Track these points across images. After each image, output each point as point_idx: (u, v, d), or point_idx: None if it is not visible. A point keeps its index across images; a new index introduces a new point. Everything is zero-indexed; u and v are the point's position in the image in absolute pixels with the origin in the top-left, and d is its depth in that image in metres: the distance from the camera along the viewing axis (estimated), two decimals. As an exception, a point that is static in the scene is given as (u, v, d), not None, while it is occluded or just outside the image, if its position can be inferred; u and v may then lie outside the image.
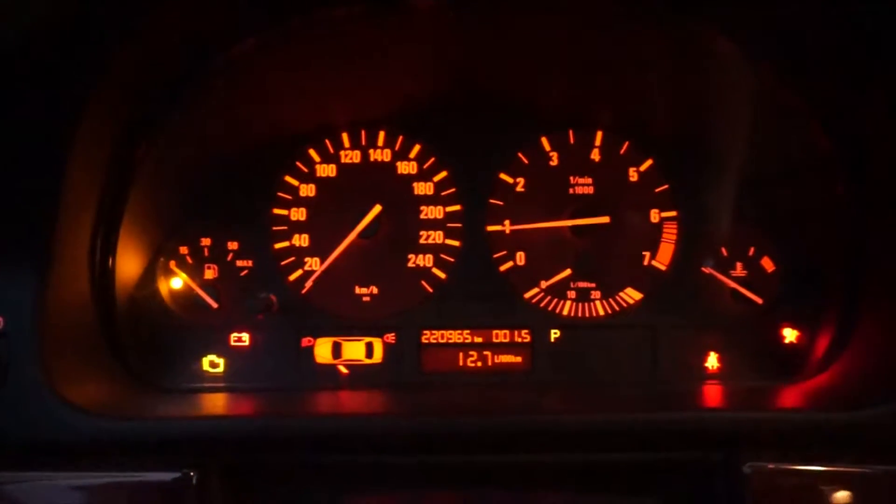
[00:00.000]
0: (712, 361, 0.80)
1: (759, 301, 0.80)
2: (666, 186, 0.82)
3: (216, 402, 0.77)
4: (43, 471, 0.65)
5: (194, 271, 0.82)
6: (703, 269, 0.81)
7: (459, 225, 0.82)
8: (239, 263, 0.82)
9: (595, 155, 0.83)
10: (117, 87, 0.69)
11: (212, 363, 0.81)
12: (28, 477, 0.64)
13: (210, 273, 0.82)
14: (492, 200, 0.82)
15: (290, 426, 0.67)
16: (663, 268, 0.82)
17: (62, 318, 0.69)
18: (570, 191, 0.83)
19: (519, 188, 0.83)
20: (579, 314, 0.82)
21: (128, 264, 0.78)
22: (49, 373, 0.65)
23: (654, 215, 0.82)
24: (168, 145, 0.78)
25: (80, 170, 0.69)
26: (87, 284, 0.73)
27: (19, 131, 0.67)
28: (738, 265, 0.81)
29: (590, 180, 0.83)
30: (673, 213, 0.82)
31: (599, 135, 0.82)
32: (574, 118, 0.83)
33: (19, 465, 0.65)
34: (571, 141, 0.83)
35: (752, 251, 0.81)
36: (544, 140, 0.83)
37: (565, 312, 0.82)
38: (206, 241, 0.82)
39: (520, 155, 0.83)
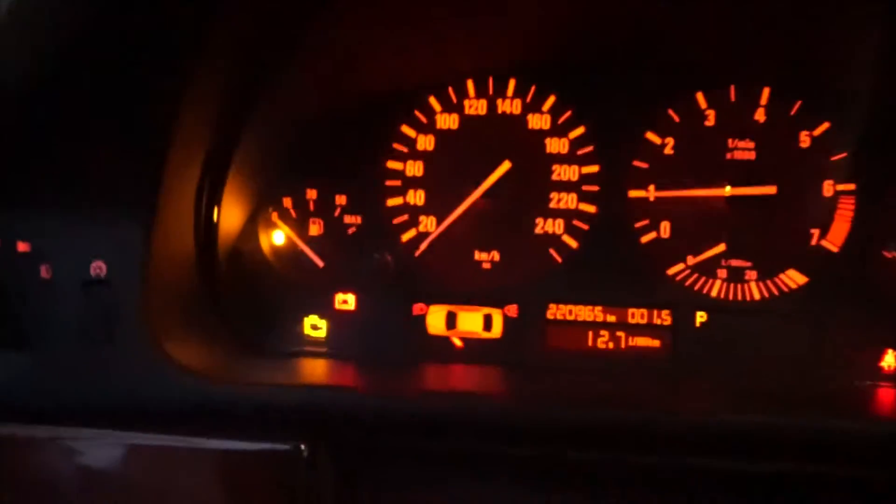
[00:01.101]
0: (889, 360, 0.69)
1: (953, 294, 0.68)
2: (844, 154, 0.69)
3: (321, 370, 0.70)
4: (142, 431, 0.60)
5: (298, 226, 0.75)
6: (885, 252, 0.69)
7: (596, 188, 0.72)
8: (347, 220, 0.75)
9: (759, 115, 0.71)
10: (231, 35, 0.63)
11: (313, 326, 0.75)
12: (126, 437, 0.59)
13: (315, 229, 0.75)
14: (635, 162, 0.72)
15: (399, 404, 0.61)
16: (835, 249, 0.70)
17: (166, 270, 0.63)
18: (728, 155, 0.71)
19: (667, 150, 0.72)
20: (730, 296, 0.71)
21: (232, 217, 0.72)
22: (153, 327, 0.59)
23: (828, 188, 0.70)
24: (282, 93, 0.70)
25: (191, 116, 0.63)
26: (192, 236, 0.67)
27: (133, 77, 0.61)
28: (928, 250, 0.69)
29: (751, 144, 0.71)
30: (851, 186, 0.69)
31: (766, 92, 0.70)
32: (736, 72, 0.71)
33: (115, 423, 0.61)
34: (732, 98, 0.71)
35: (945, 234, 0.69)
36: (700, 96, 0.71)
37: (714, 293, 0.71)
38: (311, 194, 0.75)
39: (670, 112, 0.71)
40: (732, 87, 0.71)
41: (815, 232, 0.70)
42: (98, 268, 0.58)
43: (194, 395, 0.59)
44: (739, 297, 0.71)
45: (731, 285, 0.71)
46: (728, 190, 0.70)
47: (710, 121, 0.72)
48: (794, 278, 0.71)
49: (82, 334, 0.58)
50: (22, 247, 0.59)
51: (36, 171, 0.61)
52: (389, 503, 0.66)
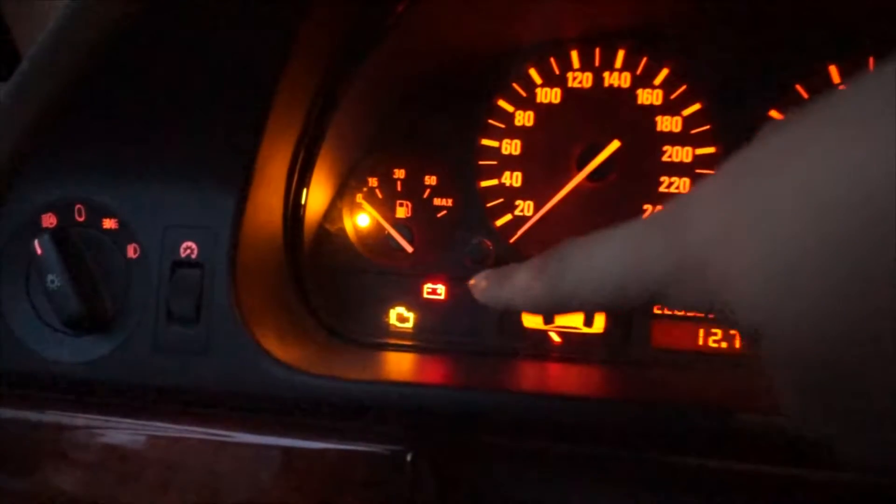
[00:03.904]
0: None
1: None
2: None
3: (409, 365, 0.65)
4: (221, 430, 0.57)
5: (385, 208, 0.71)
6: None
7: (713, 172, 0.67)
8: (437, 202, 0.70)
9: (901, 90, 0.65)
10: (332, 5, 0.58)
11: (400, 317, 0.70)
12: (201, 433, 0.55)
13: (403, 211, 0.70)
14: (757, 143, 0.66)
15: (494, 400, 0.55)
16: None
17: (255, 252, 0.58)
18: (863, 136, 0.65)
19: (794, 129, 0.66)
20: (860, 293, 0.65)
21: (318, 198, 0.68)
22: (243, 312, 0.55)
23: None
24: (375, 66, 0.65)
25: (288, 92, 0.58)
26: (280, 217, 0.62)
27: (228, 44, 0.57)
28: None
29: (891, 123, 0.65)
30: None
31: (910, 64, 0.64)
32: (875, 39, 0.64)
33: (198, 418, 0.58)
34: (871, 69, 0.65)
35: None
36: (833, 69, 0.64)
37: (841, 289, 0.65)
38: (399, 174, 0.70)
39: (798, 87, 0.65)
40: (871, 58, 0.64)
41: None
42: (189, 248, 0.54)
43: (284, 387, 0.54)
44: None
45: (862, 280, 0.65)
46: (862, 174, 0.64)
47: (844, 97, 0.66)
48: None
49: (171, 316, 0.55)
50: (108, 223, 0.55)
51: (124, 146, 0.58)
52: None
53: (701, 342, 0.66)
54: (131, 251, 0.55)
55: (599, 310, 0.35)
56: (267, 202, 0.60)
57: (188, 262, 0.55)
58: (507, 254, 0.68)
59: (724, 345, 0.66)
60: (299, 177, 0.62)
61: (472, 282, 0.47)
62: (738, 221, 0.27)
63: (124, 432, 0.56)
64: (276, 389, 0.55)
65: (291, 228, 0.64)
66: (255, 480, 0.54)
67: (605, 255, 0.35)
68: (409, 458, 0.52)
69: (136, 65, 0.56)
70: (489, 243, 0.66)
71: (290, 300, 0.64)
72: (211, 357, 0.55)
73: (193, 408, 0.56)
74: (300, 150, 0.61)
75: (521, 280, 0.41)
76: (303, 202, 0.64)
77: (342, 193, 0.71)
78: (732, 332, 0.65)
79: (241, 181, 0.55)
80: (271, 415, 0.55)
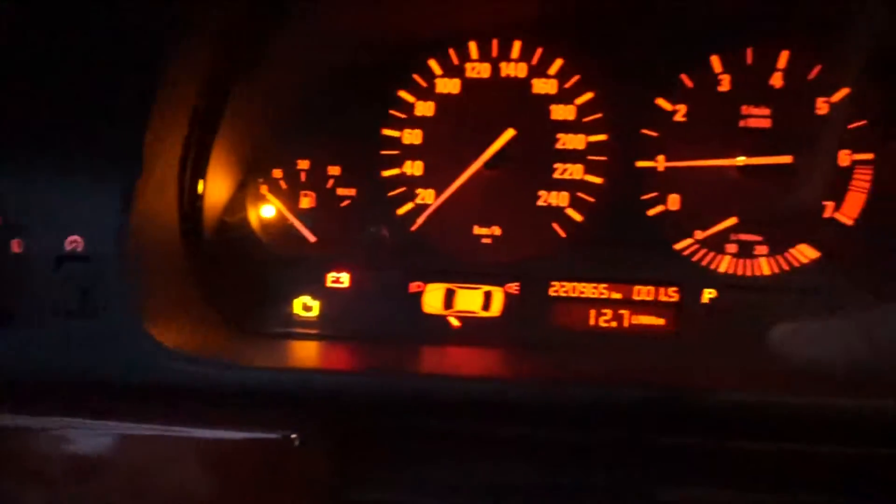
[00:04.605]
0: (903, 338, 0.67)
1: (973, 268, 0.66)
2: (863, 122, 0.66)
3: (312, 352, 0.67)
4: (117, 420, 0.57)
5: (289, 198, 0.71)
6: (902, 226, 0.67)
7: (604, 158, 0.68)
8: (340, 192, 0.71)
9: (776, 80, 0.67)
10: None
11: (305, 306, 0.71)
12: (98, 426, 0.55)
13: (307, 201, 0.71)
14: (644, 130, 0.68)
15: (390, 384, 0.57)
16: (849, 222, 0.66)
17: (147, 244, 0.59)
18: (742, 123, 0.67)
19: (679, 117, 0.68)
20: (739, 272, 0.68)
21: (218, 188, 0.68)
22: (134, 303, 0.56)
23: (844, 157, 0.66)
24: (271, 55, 0.66)
25: (172, 83, 0.58)
26: (175, 208, 0.62)
27: (113, 35, 0.56)
28: (948, 226, 0.67)
29: (767, 111, 0.67)
30: (868, 156, 0.66)
31: (785, 55, 0.67)
32: (754, 33, 0.67)
33: (91, 409, 0.57)
34: (749, 61, 0.67)
35: (967, 208, 0.67)
36: (715, 59, 0.67)
37: (723, 269, 0.68)
38: (303, 164, 0.71)
39: (683, 77, 0.68)
40: (749, 50, 0.68)
41: (830, 204, 0.67)
42: (74, 242, 0.54)
43: (175, 377, 0.55)
44: (749, 273, 0.68)
45: (741, 261, 0.68)
46: (741, 160, 0.67)
47: (725, 86, 0.68)
48: (805, 253, 0.67)
49: (58, 310, 0.55)
50: (-9, 220, 0.55)
51: (7, 140, 0.57)
52: (383, 487, 0.64)
53: (592, 322, 0.69)
54: (15, 246, 0.55)
55: None
56: (159, 194, 0.59)
57: (74, 256, 0.55)
58: (408, 242, 0.70)
59: (613, 324, 0.69)
60: (193, 169, 0.62)
61: (776, 333, 0.45)
62: None
63: (15, 430, 0.56)
64: (168, 379, 0.55)
65: (189, 219, 0.64)
66: (149, 469, 0.55)
67: None
68: (296, 442, 0.54)
69: (17, 65, 0.55)
70: (386, 231, 0.68)
71: (189, 291, 0.64)
72: (101, 349, 0.55)
73: (86, 400, 0.57)
74: (191, 143, 0.61)
75: (840, 339, 0.40)
76: (199, 192, 0.65)
77: (245, 185, 0.71)
78: (622, 311, 0.69)
79: (127, 174, 0.55)
80: (165, 405, 0.56)
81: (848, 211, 0.68)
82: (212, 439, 0.55)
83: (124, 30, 0.56)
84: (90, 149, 0.56)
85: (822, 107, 0.67)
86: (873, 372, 0.36)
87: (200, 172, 0.64)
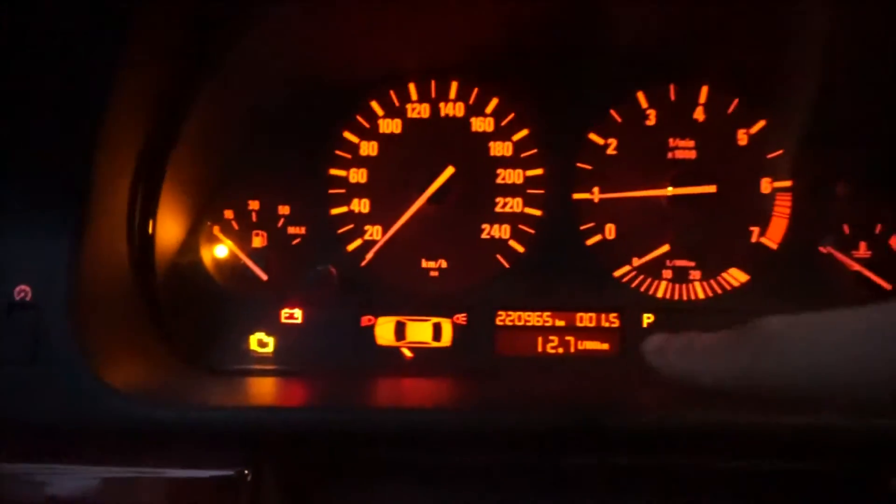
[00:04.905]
0: (829, 353, 0.71)
1: (888, 286, 0.69)
2: (780, 152, 0.71)
3: (268, 388, 0.68)
4: (72, 463, 0.57)
5: (241, 238, 0.73)
6: (821, 248, 0.70)
7: (541, 191, 0.72)
8: (291, 230, 0.73)
9: (699, 114, 0.71)
10: (160, 34, 0.61)
11: (260, 342, 0.72)
12: (55, 469, 0.56)
13: (258, 241, 0.73)
14: (579, 164, 0.72)
15: (346, 418, 0.58)
16: (774, 246, 0.71)
17: (97, 288, 0.60)
18: (669, 154, 0.72)
19: (610, 150, 0.72)
20: (675, 296, 0.71)
21: (169, 229, 0.69)
22: (84, 349, 0.56)
23: (766, 185, 0.71)
24: (216, 95, 0.68)
25: (117, 126, 0.60)
26: (126, 251, 0.64)
27: (53, 78, 0.58)
28: (862, 245, 0.70)
29: (692, 143, 0.71)
30: (787, 184, 0.71)
31: (705, 90, 0.71)
32: (676, 71, 0.72)
33: (46, 454, 0.58)
34: (672, 97, 0.72)
35: (878, 228, 0.70)
36: (641, 95, 0.72)
37: (660, 294, 0.71)
38: (254, 205, 0.73)
39: (612, 112, 0.72)
40: (672, 86, 0.72)
41: (755, 230, 0.72)
42: (22, 291, 0.55)
43: (129, 418, 0.55)
44: (685, 297, 0.72)
45: (676, 286, 0.72)
46: (670, 190, 0.71)
47: (652, 120, 0.72)
48: (736, 276, 0.72)
49: (8, 359, 0.55)
50: (-62, 270, 0.56)
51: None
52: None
53: (540, 348, 0.72)
54: (-37, 296, 0.56)
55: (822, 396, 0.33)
56: (108, 238, 0.61)
57: (23, 305, 0.56)
58: (358, 277, 0.72)
59: (560, 350, 0.72)
60: (142, 211, 0.64)
61: (648, 344, 0.45)
62: None
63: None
64: (122, 421, 0.56)
65: (140, 262, 0.65)
66: (100, 512, 0.56)
67: (842, 337, 0.31)
68: (248, 478, 0.55)
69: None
70: (333, 269, 0.70)
71: (143, 333, 0.66)
72: (52, 395, 0.55)
73: (41, 444, 0.57)
74: (138, 186, 0.63)
75: (712, 351, 0.39)
76: (150, 233, 0.66)
77: (199, 226, 0.73)
78: (568, 338, 0.72)
79: (74, 221, 0.56)
80: (119, 446, 0.57)
81: (772, 236, 0.72)
82: (161, 478, 0.56)
83: (66, 74, 0.58)
84: (34, 195, 0.57)
85: (742, 138, 0.72)
86: (751, 387, 0.38)
87: (150, 213, 0.65)
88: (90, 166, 0.58)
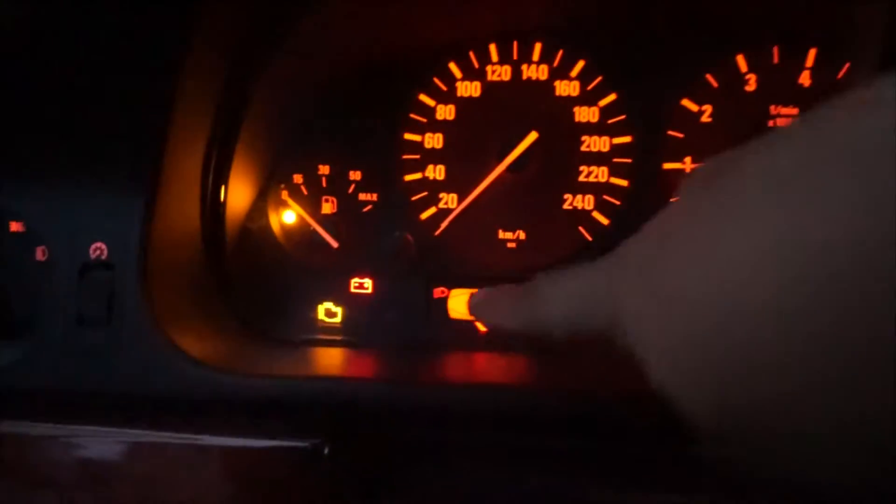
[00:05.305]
0: None
1: None
2: (894, 120, 0.66)
3: (337, 359, 0.66)
4: (146, 428, 0.56)
5: (310, 204, 0.70)
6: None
7: (629, 160, 0.67)
8: (362, 197, 0.70)
9: (805, 78, 0.66)
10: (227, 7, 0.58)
11: (328, 312, 0.70)
12: (130, 434, 0.55)
13: (328, 207, 0.70)
14: (670, 132, 0.67)
15: (422, 394, 0.56)
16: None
17: (169, 253, 0.58)
18: (770, 122, 0.66)
19: (705, 118, 0.67)
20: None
21: (240, 195, 0.67)
22: (155, 311, 0.55)
23: (876, 156, 0.66)
24: (290, 61, 0.65)
25: (192, 88, 0.58)
26: (197, 215, 0.62)
27: (129, 44, 0.56)
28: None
29: (795, 110, 0.66)
30: None
31: (812, 53, 0.66)
32: (780, 32, 0.66)
33: (115, 419, 0.57)
34: (776, 60, 0.66)
35: None
36: (740, 58, 0.66)
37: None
38: (324, 170, 0.70)
39: (708, 77, 0.66)
40: (776, 48, 0.66)
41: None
42: (98, 249, 0.54)
43: (199, 385, 0.54)
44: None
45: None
46: (770, 160, 0.66)
47: (751, 85, 0.67)
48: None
49: (81, 319, 0.54)
50: (15, 227, 0.54)
51: (29, 147, 0.57)
52: (412, 496, 0.63)
53: (622, 327, 0.68)
54: (39, 254, 0.54)
55: (572, 338, 0.36)
56: (181, 202, 0.59)
57: (98, 264, 0.54)
58: (432, 246, 0.69)
59: (644, 329, 0.67)
60: (215, 176, 0.62)
61: (471, 299, 0.49)
62: (664, 287, 0.28)
63: (40, 438, 0.56)
64: (192, 388, 0.54)
65: (211, 227, 0.63)
66: (173, 480, 0.54)
67: (569, 288, 0.37)
68: (326, 451, 0.53)
69: (36, 69, 0.55)
70: (410, 236, 0.67)
71: (211, 299, 0.64)
72: (124, 358, 0.54)
73: (110, 410, 0.56)
74: (213, 149, 0.61)
75: (507, 304, 0.43)
76: (222, 200, 0.64)
77: (266, 191, 0.71)
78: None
79: (149, 182, 0.54)
80: (187, 413, 0.55)
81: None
82: (233, 448, 0.54)
83: (140, 38, 0.56)
84: (112, 159, 0.55)
85: (852, 105, 0.67)
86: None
87: (223, 179, 0.63)
88: (162, 134, 0.56)
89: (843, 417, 0.21)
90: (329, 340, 0.69)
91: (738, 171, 0.27)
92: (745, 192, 0.25)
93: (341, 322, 0.70)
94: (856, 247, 0.20)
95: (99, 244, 0.54)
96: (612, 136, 0.68)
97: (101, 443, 0.55)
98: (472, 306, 0.49)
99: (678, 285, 0.26)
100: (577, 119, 0.68)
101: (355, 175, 0.70)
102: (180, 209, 0.60)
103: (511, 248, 0.69)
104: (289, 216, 0.71)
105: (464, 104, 0.69)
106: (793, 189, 0.23)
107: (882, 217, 0.20)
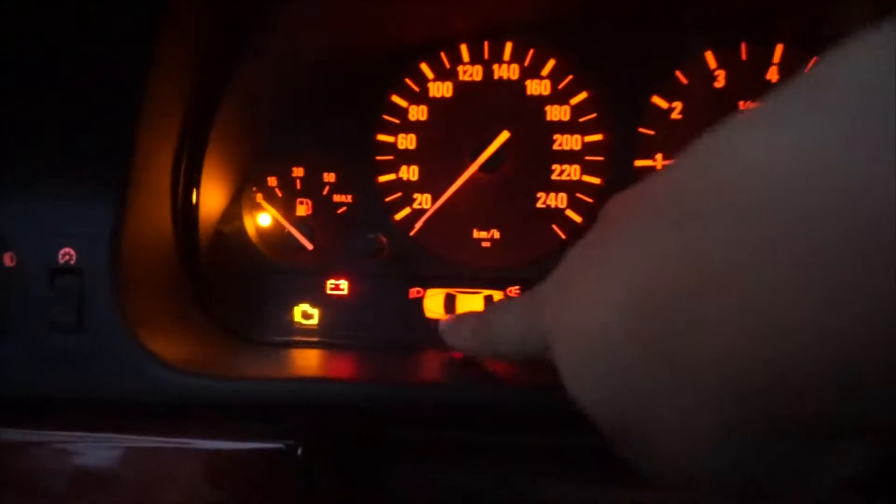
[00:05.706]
0: None
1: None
2: (861, 115, 0.67)
3: (313, 361, 0.66)
4: (115, 433, 0.56)
5: (284, 206, 0.71)
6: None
7: (601, 158, 0.68)
8: (336, 198, 0.70)
9: (772, 74, 0.67)
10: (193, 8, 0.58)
11: (304, 314, 0.70)
12: (97, 439, 0.55)
13: (303, 209, 0.70)
14: (642, 129, 0.67)
15: (394, 393, 0.56)
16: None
17: (140, 255, 0.58)
18: (740, 119, 0.68)
19: (675, 114, 0.67)
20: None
21: (212, 197, 0.67)
22: (127, 316, 0.55)
23: (844, 151, 0.67)
24: (260, 62, 0.65)
25: (160, 92, 0.58)
26: (169, 218, 0.62)
27: (95, 47, 0.56)
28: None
29: (764, 106, 0.68)
30: (869, 149, 0.67)
31: (779, 49, 0.66)
32: (747, 29, 0.67)
33: (90, 425, 0.56)
34: (744, 57, 0.66)
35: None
36: (709, 55, 0.67)
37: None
38: (298, 172, 0.70)
39: (678, 73, 0.67)
40: (743, 45, 0.67)
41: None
42: (67, 254, 0.54)
43: (172, 389, 0.54)
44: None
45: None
46: (740, 156, 0.67)
47: (721, 82, 0.67)
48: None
49: (53, 325, 0.54)
50: (-18, 234, 0.54)
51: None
52: (391, 499, 0.63)
53: (597, 324, 0.68)
54: (7, 260, 0.54)
55: (519, 356, 0.43)
56: (151, 205, 0.59)
57: (67, 269, 0.54)
58: (407, 247, 0.70)
59: (619, 325, 0.68)
60: (186, 179, 0.62)
61: (440, 325, 0.54)
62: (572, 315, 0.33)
63: (12, 444, 0.55)
64: (165, 392, 0.54)
65: (184, 230, 0.63)
66: (147, 484, 0.54)
67: (514, 314, 0.42)
68: (299, 452, 0.53)
69: (2, 72, 0.55)
70: (384, 238, 0.67)
71: (186, 303, 0.64)
72: (97, 363, 0.54)
73: (83, 415, 0.56)
74: (182, 153, 0.61)
75: (466, 330, 0.49)
76: (194, 203, 0.64)
77: (240, 194, 0.71)
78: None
79: (117, 186, 0.54)
80: (163, 417, 0.55)
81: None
82: (208, 450, 0.54)
83: (107, 42, 0.56)
84: (78, 161, 0.55)
85: (819, 100, 0.67)
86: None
87: (194, 182, 0.63)
88: (130, 137, 0.56)
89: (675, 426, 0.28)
90: (306, 342, 0.70)
91: (625, 213, 0.33)
92: (621, 236, 0.31)
93: (318, 323, 0.70)
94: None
95: (68, 249, 0.54)
96: (583, 134, 0.68)
97: (74, 448, 0.56)
98: (441, 332, 0.54)
99: (573, 315, 0.32)
100: (548, 118, 0.68)
101: (329, 177, 0.70)
102: (151, 213, 0.60)
103: (486, 248, 0.69)
104: (263, 219, 0.71)
105: (436, 105, 0.69)
106: (665, 224, 0.27)
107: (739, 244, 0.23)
